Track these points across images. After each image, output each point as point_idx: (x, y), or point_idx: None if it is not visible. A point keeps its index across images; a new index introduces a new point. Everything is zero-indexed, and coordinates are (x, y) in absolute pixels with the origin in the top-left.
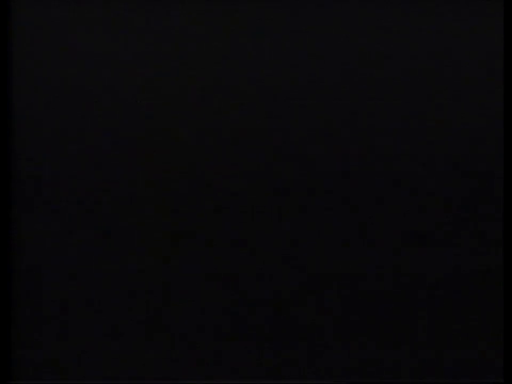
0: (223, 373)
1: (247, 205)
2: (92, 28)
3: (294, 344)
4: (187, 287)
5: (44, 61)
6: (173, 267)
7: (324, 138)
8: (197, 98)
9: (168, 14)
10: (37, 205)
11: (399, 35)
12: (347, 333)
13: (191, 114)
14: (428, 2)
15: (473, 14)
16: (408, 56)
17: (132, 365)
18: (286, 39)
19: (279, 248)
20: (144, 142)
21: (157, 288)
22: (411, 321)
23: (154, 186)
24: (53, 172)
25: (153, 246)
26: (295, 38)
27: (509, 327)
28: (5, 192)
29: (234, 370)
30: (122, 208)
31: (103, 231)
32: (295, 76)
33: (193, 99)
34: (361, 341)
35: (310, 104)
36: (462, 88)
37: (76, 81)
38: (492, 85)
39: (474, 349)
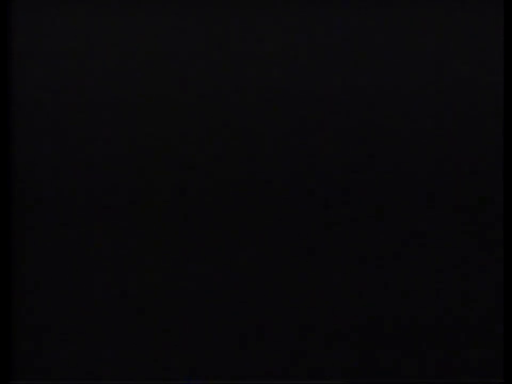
0: None
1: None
2: (92, 29)
3: None
4: (186, 287)
5: (44, 60)
6: (173, 267)
7: (324, 139)
8: (198, 99)
9: (168, 14)
10: (37, 206)
11: (398, 36)
12: None
13: (192, 115)
14: (427, 2)
15: (473, 14)
16: (407, 56)
17: (133, 365)
18: (287, 40)
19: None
20: (144, 143)
21: (158, 289)
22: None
23: (154, 187)
24: (52, 173)
25: (153, 246)
26: (295, 40)
27: (509, 327)
28: (4, 192)
29: None
30: (121, 209)
31: (103, 232)
32: (295, 79)
33: (196, 100)
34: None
35: (311, 107)
36: (462, 88)
37: (76, 81)
38: (492, 85)
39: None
